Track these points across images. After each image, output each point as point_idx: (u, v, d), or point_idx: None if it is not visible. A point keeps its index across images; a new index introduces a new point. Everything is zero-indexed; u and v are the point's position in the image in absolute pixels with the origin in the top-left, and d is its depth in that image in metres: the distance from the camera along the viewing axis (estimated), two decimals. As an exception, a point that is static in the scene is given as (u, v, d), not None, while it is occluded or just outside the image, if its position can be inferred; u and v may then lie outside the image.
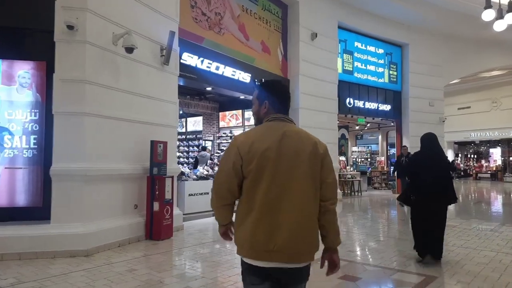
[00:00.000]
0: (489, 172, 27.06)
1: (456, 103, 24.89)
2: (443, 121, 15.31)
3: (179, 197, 8.71)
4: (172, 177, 6.29)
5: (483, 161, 29.06)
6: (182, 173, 9.06)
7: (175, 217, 6.57)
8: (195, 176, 9.16)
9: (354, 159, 17.44)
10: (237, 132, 12.71)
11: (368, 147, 20.44)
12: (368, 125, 17.81)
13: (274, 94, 1.92)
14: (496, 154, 27.97)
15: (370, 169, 17.12)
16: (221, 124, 13.19)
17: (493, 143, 27.77)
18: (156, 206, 6.03)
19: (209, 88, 8.78)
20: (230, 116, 12.87)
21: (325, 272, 1.89)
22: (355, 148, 18.40)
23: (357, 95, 13.40)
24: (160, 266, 4.51)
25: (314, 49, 11.41)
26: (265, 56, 10.33)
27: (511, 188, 18.67)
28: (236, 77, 8.99)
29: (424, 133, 4.96)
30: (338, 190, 12.25)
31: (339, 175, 14.01)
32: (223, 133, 13.03)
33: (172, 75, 6.93)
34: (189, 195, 8.83)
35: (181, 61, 7.56)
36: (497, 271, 4.34)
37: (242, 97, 9.94)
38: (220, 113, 13.22)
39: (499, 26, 11.27)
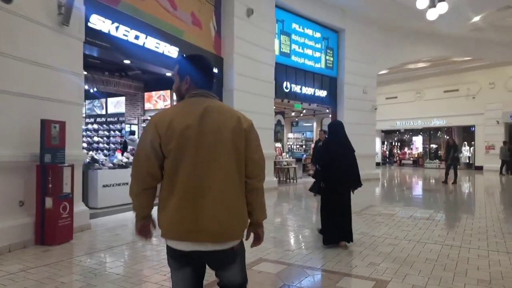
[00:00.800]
0: (411, 159, 28.84)
1: (384, 93, 25.85)
2: (375, 109, 15.49)
3: (90, 189, 7.40)
4: (72, 166, 5.02)
5: (406, 149, 30.95)
6: (95, 161, 7.71)
7: (78, 215, 5.34)
8: (111, 164, 7.85)
9: (290, 146, 17.09)
10: (164, 115, 11.46)
11: (303, 134, 20.32)
12: (304, 111, 17.55)
13: (196, 69, 1.82)
14: (418, 142, 29.89)
15: (305, 156, 16.91)
16: (147, 106, 11.81)
17: (416, 132, 29.60)
18: (48, 202, 4.75)
19: (127, 61, 7.48)
20: (157, 97, 11.55)
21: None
22: (290, 135, 18.09)
23: (294, 80, 12.86)
24: (41, 286, 3.36)
25: (250, 27, 10.53)
26: (196, 30, 9.20)
27: (432, 173, 19.82)
28: (160, 50, 7.76)
29: (332, 121, 5.24)
30: (274, 178, 11.68)
31: (275, 162, 13.45)
32: (149, 116, 11.67)
33: (75, 39, 5.57)
34: (104, 186, 7.55)
35: (89, 24, 6.19)
36: (448, 269, 3.90)
37: (168, 74, 8.73)
38: (146, 94, 11.81)
39: (432, 14, 11.39)
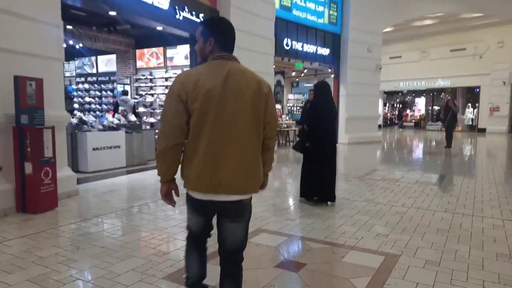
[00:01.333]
0: (413, 121, 28.39)
1: (388, 52, 24.86)
2: (380, 68, 14.82)
3: (79, 153, 7.03)
4: (53, 127, 4.57)
5: (408, 110, 30.42)
6: (84, 123, 7.27)
7: (63, 180, 4.97)
8: (100, 126, 7.41)
9: (290, 108, 16.57)
10: (158, 74, 10.84)
11: (303, 95, 19.69)
12: (305, 71, 16.84)
13: (220, 32, 1.88)
14: (420, 104, 29.30)
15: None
16: (139, 64, 11.15)
17: (419, 93, 28.94)
18: (28, 167, 4.36)
19: (113, 13, 6.80)
20: (150, 55, 10.87)
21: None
22: (290, 96, 17.44)
23: (296, 36, 12.11)
24: (16, 261, 3.04)
25: (248, -24, 9.68)
26: (189, -21, 8.39)
27: (434, 136, 19.48)
28: (149, 1, 7.04)
29: (319, 81, 5.31)
30: (273, 141, 11.25)
31: (274, 124, 13.02)
32: (142, 75, 11.06)
33: (50, -16, 4.92)
34: (94, 149, 7.18)
35: (67, -32, 5.50)
36: (463, 241, 3.59)
37: (159, 28, 8.05)
38: (137, 51, 11.11)
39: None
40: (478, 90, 23.52)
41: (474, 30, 22.12)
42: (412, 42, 24.68)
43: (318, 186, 4.85)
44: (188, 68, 9.58)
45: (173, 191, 1.90)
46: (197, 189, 1.79)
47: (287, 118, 13.88)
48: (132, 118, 8.43)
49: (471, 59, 22.60)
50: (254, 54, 10.06)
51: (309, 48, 12.60)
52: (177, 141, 1.76)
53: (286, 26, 11.72)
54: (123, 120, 8.10)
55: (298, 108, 17.01)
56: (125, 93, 9.76)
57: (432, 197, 5.40)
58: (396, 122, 30.09)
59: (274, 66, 14.88)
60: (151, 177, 6.77)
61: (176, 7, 7.73)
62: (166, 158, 1.80)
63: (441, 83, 24.32)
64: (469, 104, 23.78)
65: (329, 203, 4.89)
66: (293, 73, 17.51)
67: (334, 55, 13.78)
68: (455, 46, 23.00)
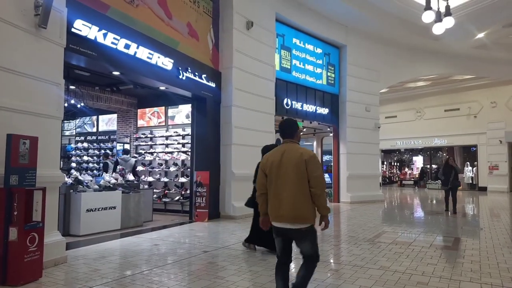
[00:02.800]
0: (412, 179, 28.18)
1: (384, 112, 25.34)
2: (379, 127, 14.91)
3: (72, 214, 6.64)
4: (44, 189, 4.26)
5: (406, 169, 30.34)
6: (79, 182, 6.97)
7: (51, 246, 4.56)
8: (96, 186, 7.09)
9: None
10: (159, 132, 10.76)
11: (302, 153, 19.66)
12: (304, 129, 16.92)
13: (280, 128, 3.31)
14: (418, 162, 29.31)
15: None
16: (140, 123, 11.12)
17: (416, 152, 29.09)
18: (13, 233, 3.98)
19: (116, 73, 6.83)
20: (151, 114, 10.89)
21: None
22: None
23: (295, 96, 12.29)
24: None
25: (250, 40, 10.01)
26: (192, 41, 8.64)
27: (435, 194, 19.12)
28: (153, 61, 7.15)
29: (266, 145, 6.16)
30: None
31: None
32: (142, 134, 10.97)
33: (54, 44, 4.91)
34: (87, 210, 6.80)
35: (73, 30, 5.57)
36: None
37: (162, 88, 8.09)
38: (139, 110, 11.15)
39: (438, 29, 10.92)
40: (474, 149, 23.69)
41: (467, 91, 22.81)
42: (406, 102, 25.32)
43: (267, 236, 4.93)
44: (189, 127, 9.61)
45: (268, 219, 3.15)
46: (272, 219, 3.04)
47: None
48: (130, 177, 8.14)
49: (466, 118, 23.03)
50: (255, 113, 10.10)
51: (309, 107, 12.74)
52: (262, 192, 3.15)
53: (286, 86, 11.93)
54: (120, 180, 7.81)
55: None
56: (126, 152, 9.59)
57: (452, 264, 4.97)
58: (395, 180, 29.86)
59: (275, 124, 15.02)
60: (146, 241, 6.32)
61: (180, 68, 7.84)
62: (260, 200, 3.16)
63: (437, 142, 24.52)
64: (468, 163, 23.76)
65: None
66: (292, 132, 17.63)
67: (333, 114, 13.92)
68: (449, 107, 23.55)
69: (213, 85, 9.04)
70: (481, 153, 22.63)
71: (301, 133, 17.62)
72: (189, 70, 8.10)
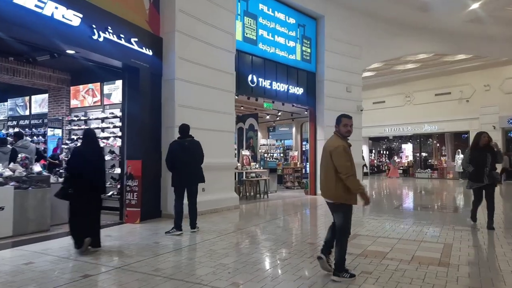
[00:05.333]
0: (401, 168, 26.77)
1: (371, 97, 23.91)
2: (361, 110, 13.29)
3: None
4: None
5: (395, 157, 28.94)
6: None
7: None
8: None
9: (262, 154, 14.72)
10: (93, 114, 8.97)
11: (281, 140, 18.01)
12: (279, 113, 15.25)
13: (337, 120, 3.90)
14: (407, 150, 27.91)
15: (279, 164, 14.59)
16: (73, 103, 9.31)
17: (405, 139, 27.66)
18: None
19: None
20: (85, 92, 9.07)
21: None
22: (263, 141, 15.56)
23: (263, 72, 10.56)
24: None
25: (201, 0, 8.23)
26: (119, -5, 6.82)
27: (429, 184, 17.70)
28: (47, 12, 5.31)
29: (86, 129, 6.61)
30: (234, 195, 9.20)
31: (240, 174, 11.08)
32: (75, 116, 9.16)
33: None
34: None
35: None
36: None
37: (71, 51, 6.21)
38: (72, 88, 9.32)
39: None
40: (466, 136, 22.31)
41: (459, 73, 21.35)
42: (395, 87, 23.83)
43: (88, 232, 4.82)
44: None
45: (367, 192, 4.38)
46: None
47: (257, 166, 11.99)
48: (37, 168, 6.38)
49: (458, 103, 21.58)
50: (209, 89, 8.38)
51: (279, 86, 11.03)
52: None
53: (251, 61, 10.20)
54: (19, 172, 6.04)
55: (274, 154, 15.08)
56: (19, 135, 7.69)
57: (441, 293, 3.36)
58: (384, 169, 28.48)
59: (242, 107, 13.29)
60: (19, 257, 4.56)
61: (94, 26, 6.03)
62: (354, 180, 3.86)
63: (428, 128, 23.08)
64: (459, 150, 22.32)
65: (96, 249, 4.87)
66: (268, 116, 15.93)
67: (309, 95, 12.24)
68: (440, 91, 22.10)
69: (149, 52, 7.26)
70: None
71: (278, 118, 15.87)
72: (110, 30, 6.31)
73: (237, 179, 11.22)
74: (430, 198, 12.38)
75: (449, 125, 22.00)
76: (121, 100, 8.00)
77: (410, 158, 26.77)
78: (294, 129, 17.67)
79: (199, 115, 8.04)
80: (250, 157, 11.73)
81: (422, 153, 25.52)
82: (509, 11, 13.38)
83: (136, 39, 6.90)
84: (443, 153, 24.29)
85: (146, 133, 7.31)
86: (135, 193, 6.82)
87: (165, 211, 7.54)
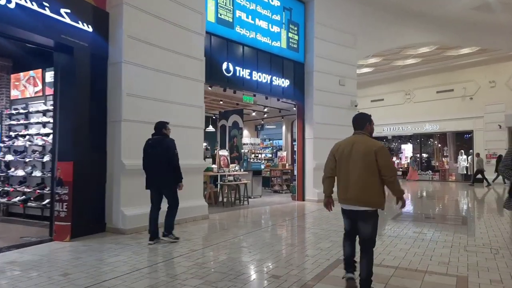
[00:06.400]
0: (400, 169, 25.36)
1: (369, 95, 22.65)
2: (356, 106, 11.89)
3: None
4: None
5: (394, 158, 27.53)
6: None
7: None
8: None
9: (244, 154, 13.30)
10: (34, 106, 7.55)
11: (270, 140, 16.59)
12: (266, 110, 13.84)
13: (352, 121, 3.59)
14: (407, 151, 26.51)
15: (270, 165, 13.20)
16: (14, 93, 7.90)
17: (404, 139, 26.29)
18: None
19: None
20: (26, 81, 7.66)
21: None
22: (246, 140, 14.11)
23: (241, 61, 9.17)
24: None
25: (160, -30, 6.85)
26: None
27: (434, 186, 16.31)
28: None
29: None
30: (203, 202, 7.78)
31: (211, 177, 9.70)
32: (15, 110, 7.74)
33: None
34: None
35: None
36: None
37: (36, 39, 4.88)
38: (12, 76, 7.92)
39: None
40: (468, 136, 20.95)
41: (461, 69, 20.00)
42: (394, 84, 22.51)
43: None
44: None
45: (331, 201, 3.55)
46: (340, 201, 3.43)
47: (237, 167, 10.57)
48: None
49: (461, 100, 20.24)
50: (170, 77, 7.00)
51: (261, 77, 9.64)
52: (330, 175, 3.52)
53: (226, 46, 8.81)
54: None
55: (256, 155, 13.61)
56: None
57: None
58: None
59: (221, 102, 11.91)
60: None
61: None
62: (325, 183, 3.55)
63: (428, 128, 21.72)
64: (462, 151, 20.96)
65: None
66: (254, 113, 14.53)
67: (297, 88, 10.84)
68: (441, 88, 20.77)
69: (88, 28, 5.87)
70: (478, 139, 19.84)
71: (265, 115, 14.48)
72: (27, -5, 4.92)
73: (213, 183, 9.86)
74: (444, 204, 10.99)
75: (451, 124, 20.64)
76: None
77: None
78: (284, 128, 16.27)
79: (156, 108, 6.65)
80: (228, 158, 10.33)
81: (422, 154, 24.16)
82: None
83: (68, 10, 5.50)
84: (445, 154, 22.87)
85: (84, 128, 5.91)
86: (64, 203, 5.41)
87: (111, 224, 6.15)
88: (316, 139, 10.81)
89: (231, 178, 9.77)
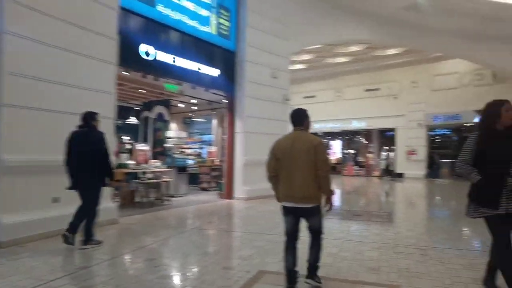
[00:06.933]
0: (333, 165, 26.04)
1: (302, 91, 22.79)
2: (288, 100, 11.54)
3: None
4: None
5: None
6: None
7: None
8: None
9: (170, 150, 12.23)
10: None
11: (199, 135, 15.69)
12: (195, 101, 12.90)
13: (290, 117, 3.53)
14: (336, 147, 27.33)
15: (194, 162, 12.32)
16: None
17: (334, 135, 27.05)
18: None
19: None
20: None
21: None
22: (171, 133, 13.08)
23: (164, 44, 8.19)
24: None
25: None
26: None
27: (360, 182, 16.71)
28: None
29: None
30: (110, 204, 6.73)
31: (129, 174, 8.63)
32: None
33: None
34: None
35: None
36: None
37: None
38: None
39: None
40: (390, 133, 22.08)
41: (388, 69, 20.93)
42: (326, 81, 22.91)
43: None
44: None
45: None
46: (282, 199, 3.38)
47: (159, 164, 9.57)
48: None
49: (386, 99, 21.16)
50: (73, 56, 5.84)
51: (187, 64, 8.76)
52: (273, 174, 3.45)
53: (145, 26, 7.77)
54: None
55: (181, 151, 12.61)
56: None
57: None
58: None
59: (143, 91, 10.80)
60: None
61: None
62: (271, 182, 3.49)
63: (356, 125, 22.46)
64: (385, 148, 22.01)
65: None
66: (182, 105, 13.52)
67: (227, 78, 10.13)
68: (369, 86, 21.56)
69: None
70: (400, 137, 20.96)
71: (194, 107, 13.55)
72: None
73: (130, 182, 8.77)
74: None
75: (377, 121, 21.55)
76: None
77: (339, 155, 26.16)
78: (215, 122, 15.48)
79: (53, 92, 5.50)
80: (148, 153, 9.30)
81: (350, 150, 25.01)
82: (453, 2, 12.47)
83: None
84: (370, 150, 23.89)
85: None
86: None
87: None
88: (247, 134, 10.23)
89: (150, 175, 8.76)
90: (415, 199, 11.60)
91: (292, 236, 3.39)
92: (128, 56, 7.20)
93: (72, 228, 4.68)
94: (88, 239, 4.81)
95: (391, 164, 20.09)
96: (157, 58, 7.96)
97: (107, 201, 6.53)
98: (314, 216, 3.34)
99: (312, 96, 23.04)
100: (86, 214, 4.79)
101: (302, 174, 3.24)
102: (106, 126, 6.58)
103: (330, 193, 3.34)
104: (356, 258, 4.50)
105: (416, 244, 5.23)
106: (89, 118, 4.91)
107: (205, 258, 4.63)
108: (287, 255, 3.36)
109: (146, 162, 9.04)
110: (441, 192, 14.33)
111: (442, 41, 15.22)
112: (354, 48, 18.17)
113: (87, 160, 4.70)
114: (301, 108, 3.56)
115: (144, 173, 8.71)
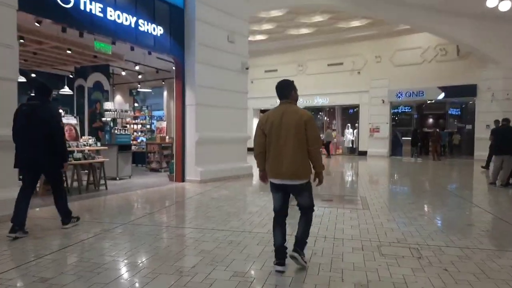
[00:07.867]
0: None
1: (263, 65, 21.48)
2: (247, 68, 10.14)
3: None
4: None
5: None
6: None
7: None
8: None
9: (108, 123, 10.45)
10: None
11: (148, 107, 13.90)
12: (137, 67, 11.12)
13: (276, 89, 3.38)
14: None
15: (144, 140, 10.70)
16: None
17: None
18: None
19: None
20: None
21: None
22: (109, 105, 11.09)
23: (89, -10, 6.43)
24: None
25: None
26: None
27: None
28: None
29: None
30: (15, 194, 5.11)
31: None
32: None
33: None
34: None
35: None
36: None
37: None
38: None
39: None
40: (352, 111, 21.48)
41: (351, 43, 19.99)
42: (288, 54, 21.66)
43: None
44: None
45: (265, 174, 3.33)
46: (271, 176, 3.25)
47: (92, 142, 7.91)
48: None
49: (349, 74, 20.34)
50: None
51: (121, 17, 7.06)
52: (261, 150, 3.31)
53: (61, -38, 5.96)
54: None
55: (124, 127, 10.81)
56: None
57: None
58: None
59: (71, 52, 8.95)
60: None
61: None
62: (258, 158, 3.35)
63: (319, 101, 21.52)
64: (349, 125, 21.41)
65: None
66: (123, 73, 11.65)
67: (174, 39, 8.53)
68: (332, 60, 20.60)
69: None
70: (363, 114, 20.34)
71: (140, 76, 11.73)
72: None
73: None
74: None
75: (340, 98, 20.76)
76: None
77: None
78: (165, 93, 13.76)
79: None
80: (77, 128, 7.61)
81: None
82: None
83: None
84: (333, 128, 23.24)
85: None
86: None
87: None
88: (200, 106, 8.78)
89: (79, 155, 7.13)
90: (386, 180, 10.84)
91: (281, 213, 3.35)
92: (38, 0, 5.44)
93: (66, 216, 4.60)
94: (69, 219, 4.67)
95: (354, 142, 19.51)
96: (79, 6, 6.21)
97: (12, 188, 4.92)
98: (304, 193, 3.28)
99: (274, 70, 21.76)
100: (64, 193, 4.69)
101: (291, 150, 3.16)
102: (7, 90, 4.93)
103: (322, 168, 3.28)
104: (334, 267, 3.34)
105: (405, 240, 4.18)
106: (44, 90, 4.50)
107: (130, 273, 3.25)
108: (276, 232, 3.32)
109: (74, 139, 7.37)
110: (410, 171, 13.79)
111: (409, 13, 14.39)
112: (317, 18, 16.97)
113: (40, 137, 4.22)
114: (287, 79, 3.45)
115: (71, 152, 7.06)
